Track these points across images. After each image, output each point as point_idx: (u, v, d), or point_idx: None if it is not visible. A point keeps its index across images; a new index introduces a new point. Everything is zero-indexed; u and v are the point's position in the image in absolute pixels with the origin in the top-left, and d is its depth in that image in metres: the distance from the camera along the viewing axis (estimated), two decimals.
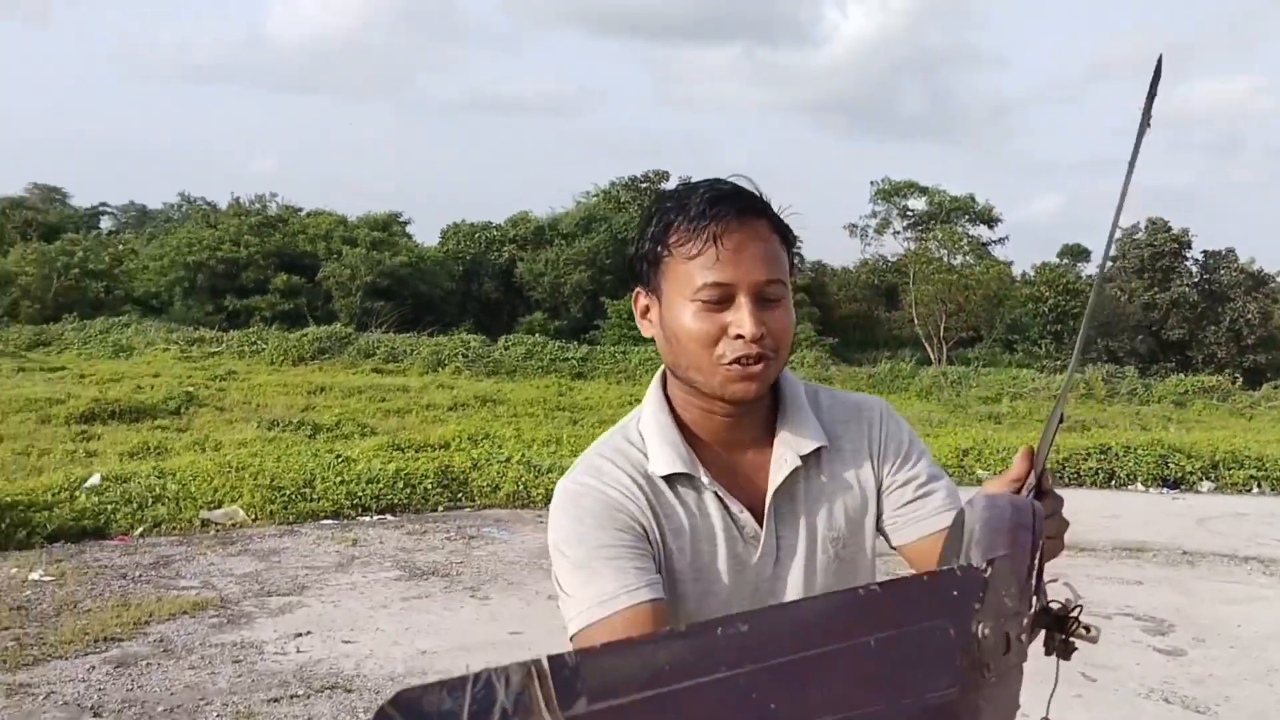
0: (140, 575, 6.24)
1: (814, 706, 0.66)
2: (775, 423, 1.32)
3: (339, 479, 8.29)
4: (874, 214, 37.70)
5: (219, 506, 7.74)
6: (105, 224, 47.38)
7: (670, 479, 1.26)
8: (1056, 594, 0.97)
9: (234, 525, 7.58)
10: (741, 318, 1.20)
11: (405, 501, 8.32)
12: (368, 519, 7.99)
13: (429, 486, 8.49)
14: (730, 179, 1.27)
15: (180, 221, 38.37)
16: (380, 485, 8.34)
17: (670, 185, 34.74)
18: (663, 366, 1.33)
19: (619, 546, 1.21)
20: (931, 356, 32.12)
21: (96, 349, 23.60)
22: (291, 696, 4.37)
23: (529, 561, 6.95)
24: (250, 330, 25.71)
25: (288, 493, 7.98)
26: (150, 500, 7.64)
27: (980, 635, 0.78)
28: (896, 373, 24.24)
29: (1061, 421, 1.09)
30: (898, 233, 37.35)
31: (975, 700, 0.79)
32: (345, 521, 7.88)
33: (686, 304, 1.21)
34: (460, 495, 8.62)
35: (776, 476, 1.28)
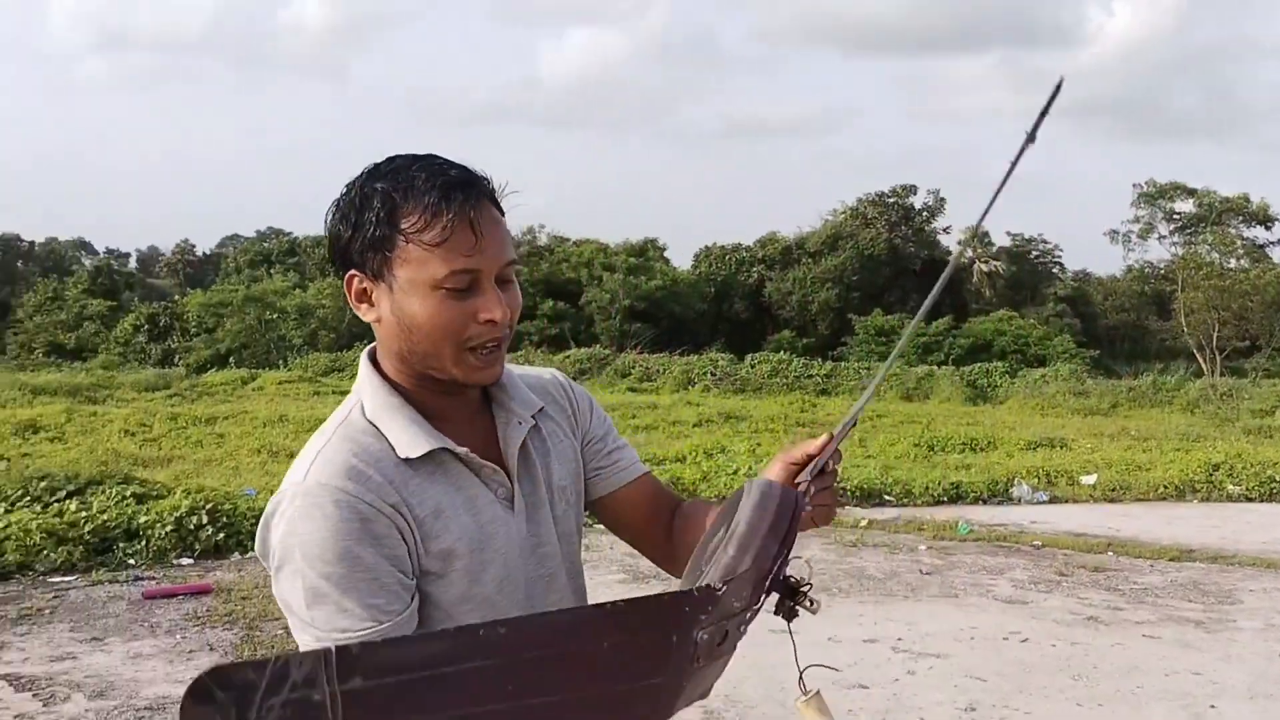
0: None
1: (548, 688, 0.81)
2: (486, 391, 1.35)
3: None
4: (1136, 219, 36.05)
5: None
6: None
7: (418, 460, 1.23)
8: (798, 570, 1.16)
9: None
10: (490, 302, 1.21)
11: None
12: (600, 526, 9.17)
13: None
14: (427, 154, 1.25)
15: None
16: None
17: (919, 199, 34.38)
18: (368, 349, 1.32)
19: (372, 572, 1.16)
20: (1204, 367, 30.39)
21: None
22: None
23: None
24: (520, 353, 28.13)
25: None
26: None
27: (698, 640, 0.95)
28: (1159, 385, 23.29)
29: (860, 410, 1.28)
30: (1163, 238, 35.55)
31: (680, 681, 0.97)
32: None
33: (429, 292, 1.19)
34: None
35: (515, 436, 1.32)
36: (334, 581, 1.14)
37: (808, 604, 1.18)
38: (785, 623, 1.19)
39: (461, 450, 1.26)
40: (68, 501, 7.54)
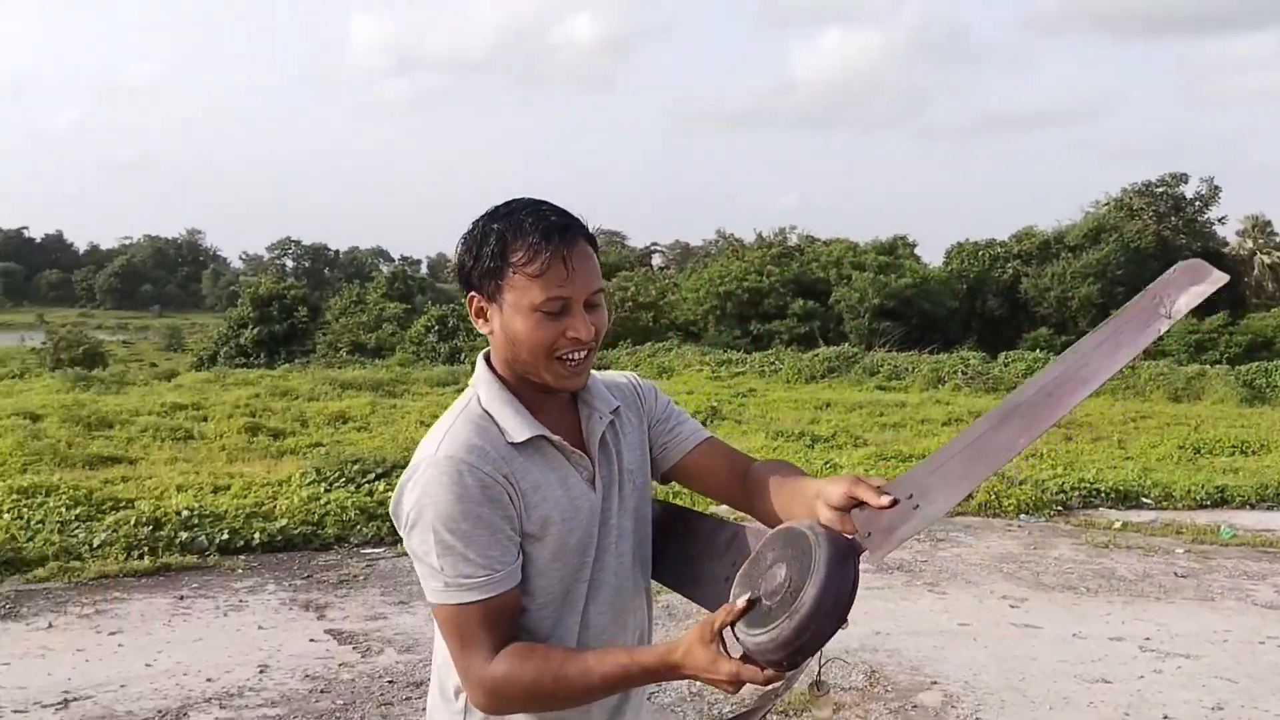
0: None
1: None
2: (575, 393, 1.60)
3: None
4: None
5: None
6: (656, 261, 54.33)
7: (523, 444, 1.49)
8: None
9: None
10: (578, 323, 1.46)
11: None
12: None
13: None
14: (537, 200, 1.52)
15: (715, 256, 43.00)
16: None
17: (1190, 188, 32.15)
18: (484, 353, 1.58)
19: (490, 529, 1.43)
20: None
21: (645, 370, 27.69)
22: None
23: (991, 565, 7.48)
24: (770, 352, 28.50)
25: None
26: (670, 495, 9.82)
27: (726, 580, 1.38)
28: None
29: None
30: None
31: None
32: None
33: (529, 313, 1.45)
34: None
35: (597, 429, 1.59)
36: (459, 536, 1.41)
37: (816, 689, 1.31)
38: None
39: (555, 438, 1.52)
40: (377, 483, 8.62)
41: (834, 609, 1.25)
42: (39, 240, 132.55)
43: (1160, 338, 1.29)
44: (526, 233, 1.44)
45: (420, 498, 1.42)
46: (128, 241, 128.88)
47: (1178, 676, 5.21)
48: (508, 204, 1.52)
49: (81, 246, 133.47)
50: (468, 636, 1.42)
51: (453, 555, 1.40)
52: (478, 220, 1.52)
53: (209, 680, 4.85)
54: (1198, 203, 35.01)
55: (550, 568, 1.52)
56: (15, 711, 4.48)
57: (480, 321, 1.53)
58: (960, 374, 23.78)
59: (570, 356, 1.48)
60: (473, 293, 1.52)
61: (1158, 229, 33.58)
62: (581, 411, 1.59)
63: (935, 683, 5.00)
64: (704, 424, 1.81)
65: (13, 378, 23.81)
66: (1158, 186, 34.63)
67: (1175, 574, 7.25)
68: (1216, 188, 35.00)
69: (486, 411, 1.51)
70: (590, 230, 1.53)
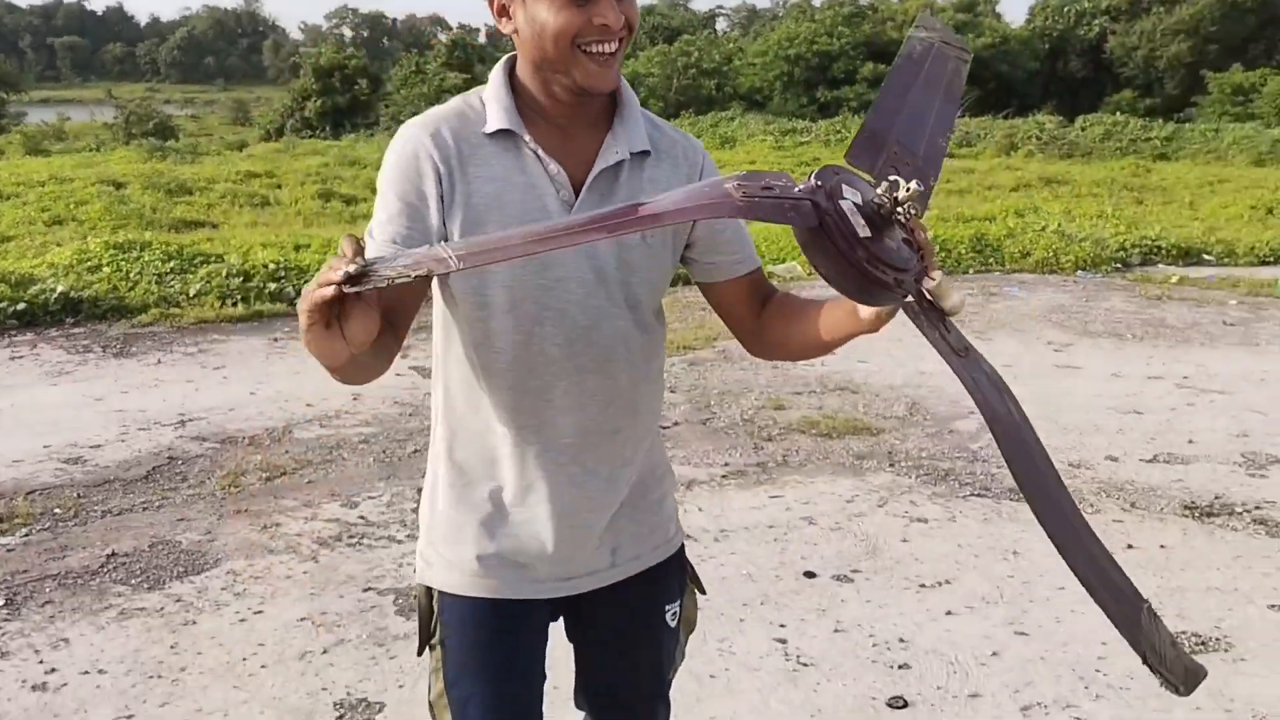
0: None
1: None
2: (611, 120, 1.47)
3: None
4: None
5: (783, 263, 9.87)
6: (720, 25, 52.53)
7: (497, 135, 1.42)
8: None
9: (791, 278, 9.75)
10: (604, 8, 1.34)
11: (939, 265, 9.75)
12: None
13: (962, 251, 9.74)
14: None
15: (782, 19, 41.40)
16: None
17: None
18: (506, 58, 1.48)
19: (398, 196, 1.40)
20: None
21: (706, 141, 27.37)
22: (810, 392, 5.81)
23: (1041, 315, 7.64)
24: (837, 119, 27.92)
25: None
26: None
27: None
28: None
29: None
30: None
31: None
32: None
33: (550, 1, 1.34)
34: (991, 260, 9.81)
35: (604, 160, 1.44)
36: (380, 193, 1.43)
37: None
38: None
39: (530, 142, 1.42)
40: None
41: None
42: (101, 13, 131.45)
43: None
44: None
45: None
46: (188, 12, 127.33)
47: (1209, 409, 5.48)
48: None
49: (142, 19, 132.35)
50: None
51: (377, 208, 1.44)
52: None
53: (308, 405, 5.37)
54: None
55: (499, 266, 1.43)
56: (140, 429, 5.05)
57: (504, 21, 1.42)
58: (1036, 139, 23.19)
59: (597, 48, 1.36)
60: None
61: None
62: (607, 140, 1.46)
63: (972, 412, 5.33)
64: None
65: (89, 150, 24.39)
66: None
67: (1224, 322, 7.42)
68: None
69: (481, 102, 1.46)
70: None
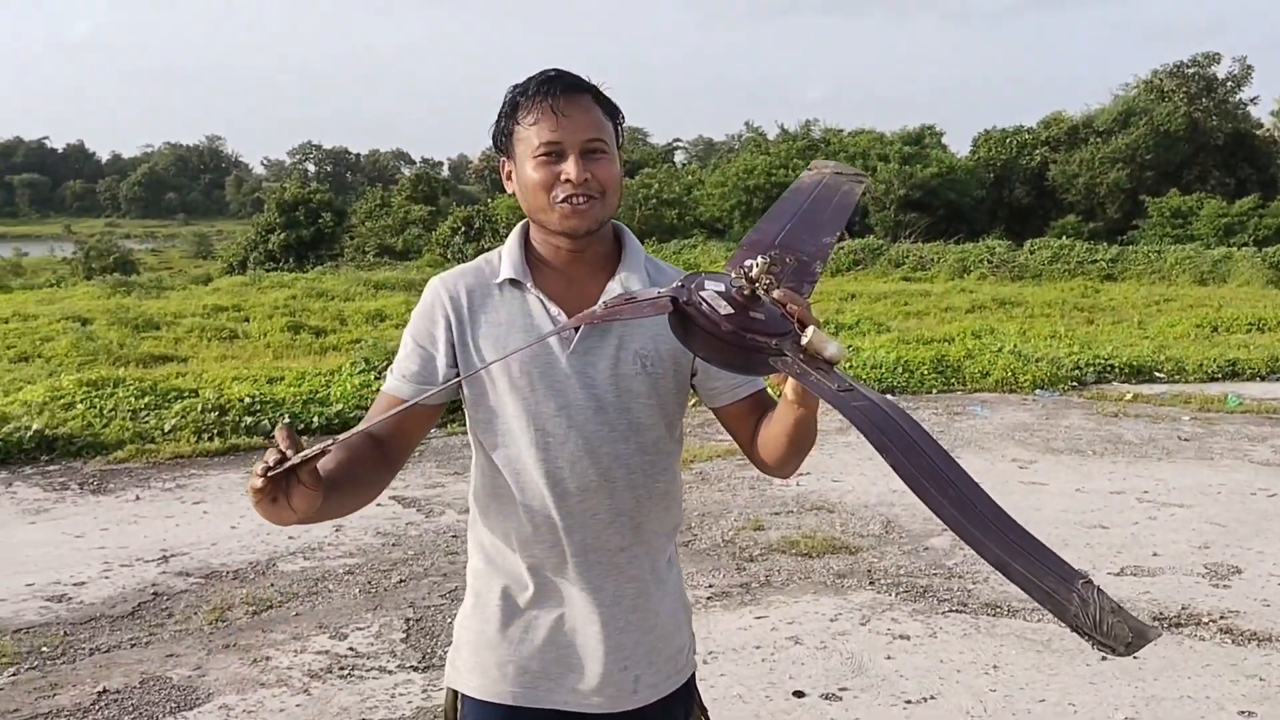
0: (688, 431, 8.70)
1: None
2: (615, 266, 1.66)
3: (847, 365, 10.12)
4: None
5: None
6: (679, 157, 54.05)
7: (506, 284, 1.62)
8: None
9: None
10: (569, 166, 1.54)
11: (903, 385, 9.76)
12: None
13: (925, 372, 9.99)
14: (553, 68, 1.60)
15: (738, 151, 42.77)
16: (881, 370, 10.08)
17: (1222, 68, 31.32)
18: (522, 223, 1.69)
19: (414, 339, 1.64)
20: None
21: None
22: (788, 511, 5.93)
23: (1004, 434, 7.86)
24: None
25: None
26: None
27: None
28: None
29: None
30: None
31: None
32: None
33: (530, 160, 1.56)
34: (953, 380, 10.05)
35: (604, 298, 1.58)
36: (404, 339, 1.67)
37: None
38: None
39: (533, 288, 1.61)
40: None
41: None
42: (61, 150, 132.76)
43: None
44: (526, 91, 1.58)
45: None
46: (149, 149, 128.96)
47: (1170, 522, 5.66)
48: (529, 76, 1.63)
49: (104, 156, 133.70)
50: (369, 414, 1.62)
51: (402, 349, 1.67)
52: (507, 91, 1.65)
53: (290, 538, 5.40)
54: (1229, 83, 34.25)
55: (508, 397, 1.61)
56: (123, 565, 5.05)
57: (509, 183, 1.64)
58: (986, 263, 23.94)
59: (567, 199, 1.55)
60: (502, 158, 1.65)
61: (1189, 111, 32.91)
62: (609, 284, 1.63)
63: (945, 530, 5.45)
64: None
65: (49, 286, 24.46)
66: (1189, 67, 33.80)
67: (1179, 438, 7.67)
68: (1249, 67, 34.17)
69: (499, 256, 1.67)
70: (595, 86, 1.62)
